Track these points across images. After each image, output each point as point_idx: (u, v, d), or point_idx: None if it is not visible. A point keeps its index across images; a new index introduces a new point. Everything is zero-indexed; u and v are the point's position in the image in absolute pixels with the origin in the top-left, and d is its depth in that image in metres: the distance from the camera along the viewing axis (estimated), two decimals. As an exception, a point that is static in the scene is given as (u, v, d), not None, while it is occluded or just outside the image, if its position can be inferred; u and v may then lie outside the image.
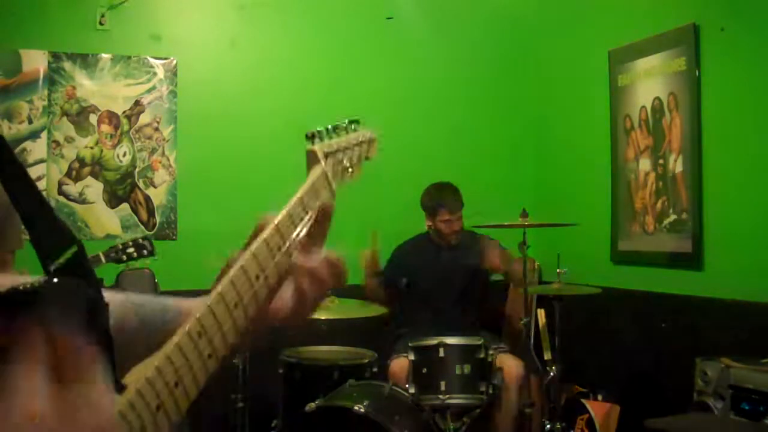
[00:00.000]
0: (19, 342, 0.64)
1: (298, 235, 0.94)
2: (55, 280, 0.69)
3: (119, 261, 3.45)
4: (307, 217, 0.96)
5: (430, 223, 4.08)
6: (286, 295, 0.92)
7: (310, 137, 1.05)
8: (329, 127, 1.10)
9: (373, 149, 1.22)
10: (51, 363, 0.65)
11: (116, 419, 0.68)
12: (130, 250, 3.45)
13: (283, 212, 0.92)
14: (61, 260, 0.72)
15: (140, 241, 3.49)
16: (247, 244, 0.89)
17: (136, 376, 0.72)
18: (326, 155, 1.06)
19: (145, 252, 3.47)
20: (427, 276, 4.05)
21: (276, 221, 0.91)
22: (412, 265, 4.10)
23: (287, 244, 0.91)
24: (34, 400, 0.61)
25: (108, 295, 0.78)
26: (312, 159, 1.04)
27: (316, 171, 1.02)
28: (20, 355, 0.63)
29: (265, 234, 0.89)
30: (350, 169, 1.12)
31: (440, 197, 4.03)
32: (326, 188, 1.03)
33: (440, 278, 4.02)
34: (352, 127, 1.15)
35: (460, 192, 4.04)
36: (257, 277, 0.85)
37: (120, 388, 0.70)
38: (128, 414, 0.69)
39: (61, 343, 0.66)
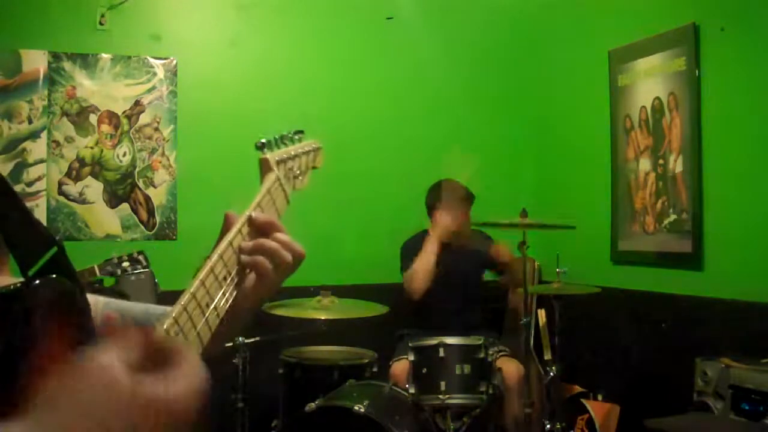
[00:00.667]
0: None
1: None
2: (37, 282, 0.69)
3: (113, 275, 3.46)
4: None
5: (436, 220, 4.05)
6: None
7: (260, 147, 1.11)
8: (276, 137, 1.15)
9: (320, 158, 1.28)
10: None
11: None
12: (125, 264, 3.47)
13: (243, 218, 0.98)
14: (40, 263, 0.71)
15: (135, 255, 3.50)
16: (217, 242, 0.94)
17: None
18: (278, 163, 1.11)
19: (139, 267, 3.49)
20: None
21: (236, 228, 0.96)
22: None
23: (231, 274, 0.95)
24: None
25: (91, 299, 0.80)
26: (265, 167, 1.10)
27: (271, 177, 1.08)
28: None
29: (229, 236, 0.94)
30: (300, 177, 1.18)
31: (445, 192, 4.04)
32: (281, 193, 1.09)
33: (443, 276, 4.01)
34: (297, 137, 1.21)
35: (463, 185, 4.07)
36: (224, 278, 0.90)
37: None
38: None
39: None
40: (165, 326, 0.74)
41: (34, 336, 0.67)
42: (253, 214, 1.00)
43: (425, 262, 3.92)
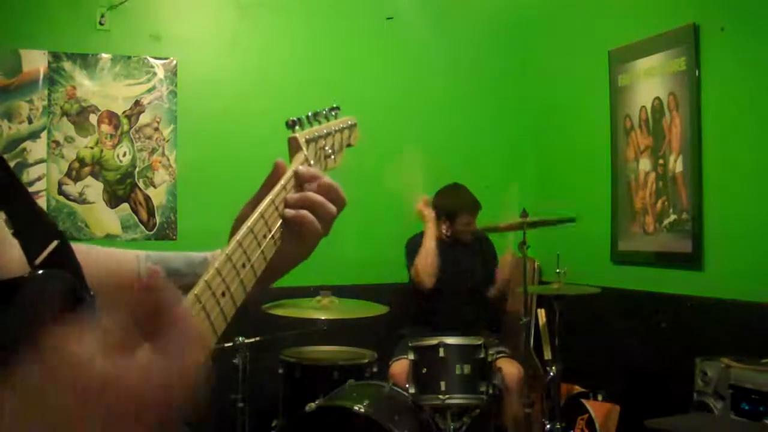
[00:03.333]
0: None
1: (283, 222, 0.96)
2: (39, 272, 0.69)
3: None
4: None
5: (446, 226, 4.08)
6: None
7: (291, 125, 1.06)
8: (309, 114, 1.09)
9: (355, 136, 1.23)
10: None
11: None
12: None
13: (267, 200, 0.94)
14: (45, 253, 0.71)
15: None
16: (230, 237, 0.90)
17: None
18: (308, 142, 1.06)
19: None
20: (438, 272, 4.04)
21: (259, 210, 0.92)
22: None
23: (272, 231, 0.93)
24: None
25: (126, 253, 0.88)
26: (294, 146, 1.04)
27: (299, 158, 1.03)
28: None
29: (249, 222, 0.90)
30: (332, 156, 1.13)
31: (459, 201, 4.06)
32: None
33: (448, 275, 4.02)
34: (333, 113, 1.15)
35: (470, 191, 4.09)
36: (243, 265, 0.86)
37: None
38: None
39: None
40: (196, 291, 0.73)
41: (29, 329, 0.67)
42: (300, 168, 0.98)
43: (426, 253, 3.96)
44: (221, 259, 0.80)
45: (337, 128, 1.16)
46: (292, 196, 0.95)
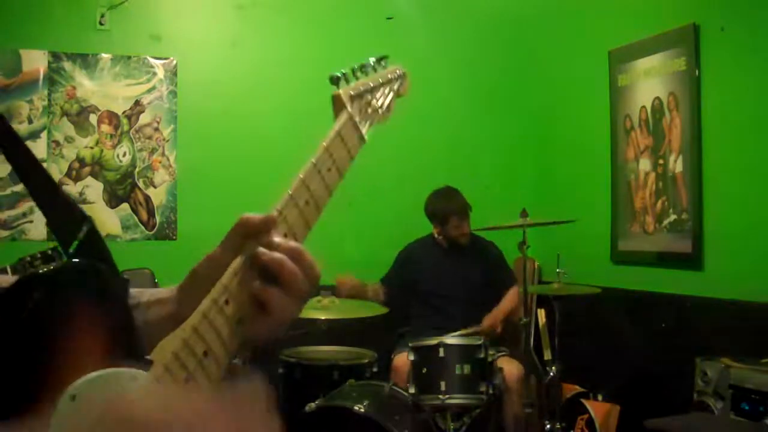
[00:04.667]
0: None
1: (327, 186, 0.88)
2: (74, 261, 0.70)
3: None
4: (335, 167, 0.90)
5: (438, 230, 4.09)
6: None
7: (335, 81, 0.99)
8: (355, 67, 1.03)
9: (405, 85, 1.15)
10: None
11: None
12: (38, 262, 3.41)
13: (309, 164, 0.87)
14: (77, 241, 0.73)
15: (49, 252, 3.42)
16: (224, 241, 0.82)
17: (161, 353, 0.71)
18: (352, 98, 0.99)
19: (53, 264, 3.42)
20: (433, 278, 4.05)
21: (302, 174, 0.85)
22: (418, 266, 4.12)
23: (314, 198, 0.86)
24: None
25: None
26: (338, 104, 0.98)
27: (342, 117, 0.96)
28: None
29: (290, 190, 0.84)
30: (380, 110, 1.05)
31: (447, 204, 4.05)
32: (354, 134, 0.97)
33: (445, 280, 4.03)
34: (381, 64, 1.09)
35: (462, 194, 4.06)
36: (285, 235, 0.82)
37: (146, 365, 0.70)
38: None
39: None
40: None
41: (66, 318, 0.68)
42: (258, 253, 0.79)
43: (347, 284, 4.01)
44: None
45: (384, 80, 1.09)
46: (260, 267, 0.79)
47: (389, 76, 1.11)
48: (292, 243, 0.82)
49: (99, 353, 0.68)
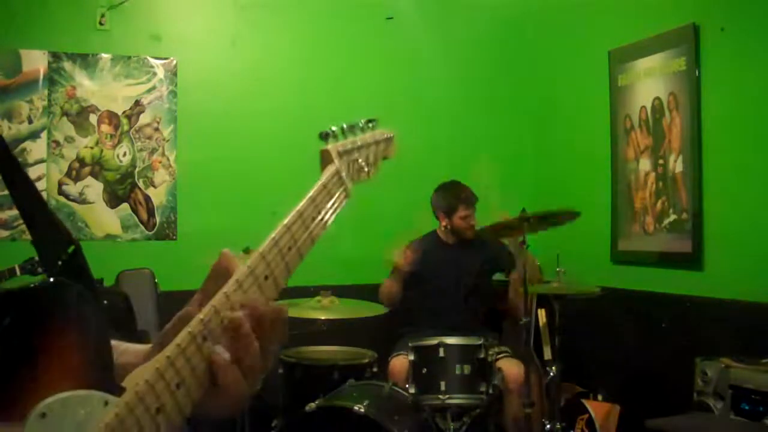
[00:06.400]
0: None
1: (310, 235, 0.91)
2: (51, 280, 0.70)
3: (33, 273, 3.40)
4: (319, 217, 0.94)
5: (445, 223, 4.08)
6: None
7: (324, 137, 1.03)
8: (344, 126, 1.07)
9: (392, 148, 1.20)
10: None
11: (113, 421, 0.67)
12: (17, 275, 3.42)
13: (294, 212, 0.90)
14: (60, 261, 0.72)
15: (28, 266, 3.40)
16: (204, 286, 0.82)
17: (135, 380, 0.71)
18: (340, 154, 1.03)
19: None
20: (436, 275, 4.05)
21: (286, 221, 0.88)
22: (422, 262, 4.11)
23: (297, 244, 0.89)
24: None
25: None
26: (326, 158, 1.02)
27: (330, 170, 1.00)
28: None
29: (274, 234, 0.86)
30: (366, 168, 1.10)
31: (456, 194, 4.06)
32: (340, 187, 1.00)
33: (449, 276, 4.02)
34: (369, 126, 1.13)
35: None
36: (266, 278, 0.84)
37: (119, 391, 0.70)
38: (126, 417, 0.68)
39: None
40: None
41: (39, 337, 0.68)
42: (227, 314, 0.77)
43: (391, 285, 4.03)
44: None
45: (372, 141, 1.13)
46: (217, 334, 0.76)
47: (377, 137, 1.15)
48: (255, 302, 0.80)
49: (71, 373, 0.68)
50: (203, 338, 0.75)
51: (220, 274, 0.83)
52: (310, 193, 0.94)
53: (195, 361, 0.74)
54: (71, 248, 0.74)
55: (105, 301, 0.78)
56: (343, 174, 1.02)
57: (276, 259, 0.85)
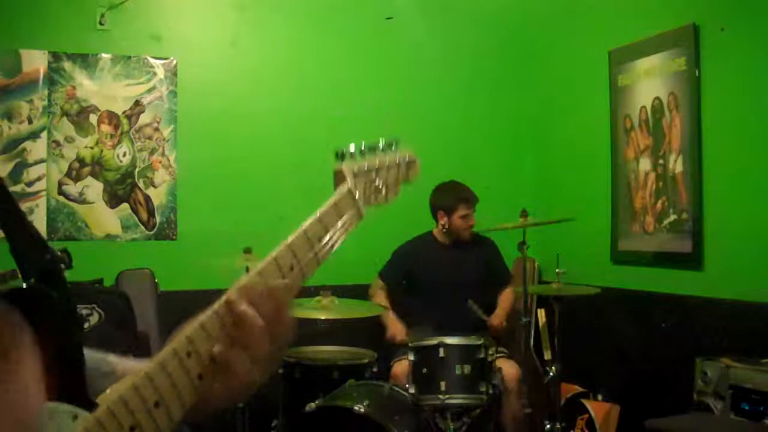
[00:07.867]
0: None
1: (315, 255, 0.88)
2: (24, 286, 0.70)
3: None
4: (327, 237, 0.90)
5: (444, 222, 4.08)
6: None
7: (340, 156, 1.00)
8: (362, 146, 1.04)
9: (413, 172, 1.15)
10: None
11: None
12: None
13: (299, 231, 0.87)
14: (36, 270, 0.72)
15: (47, 258, 3.39)
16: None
17: (111, 396, 0.69)
18: (355, 175, 1.00)
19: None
20: (432, 275, 4.05)
21: (289, 241, 0.85)
22: (416, 264, 4.12)
23: (300, 264, 0.85)
24: None
25: None
26: (339, 178, 0.98)
27: (341, 190, 0.96)
28: None
29: (275, 253, 0.84)
30: (384, 192, 1.06)
31: (456, 192, 4.06)
32: (352, 208, 0.96)
33: (445, 277, 4.03)
34: (390, 147, 1.09)
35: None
36: (261, 294, 0.82)
37: (90, 406, 0.68)
38: None
39: None
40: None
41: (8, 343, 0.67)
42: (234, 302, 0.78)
43: (376, 298, 4.08)
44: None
45: (391, 163, 1.09)
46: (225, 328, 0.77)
47: (397, 160, 1.11)
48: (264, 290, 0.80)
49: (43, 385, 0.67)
50: (187, 354, 0.74)
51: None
52: (318, 212, 0.91)
53: (176, 377, 0.72)
54: (46, 258, 0.73)
55: (95, 305, 0.78)
56: (357, 195, 0.98)
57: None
